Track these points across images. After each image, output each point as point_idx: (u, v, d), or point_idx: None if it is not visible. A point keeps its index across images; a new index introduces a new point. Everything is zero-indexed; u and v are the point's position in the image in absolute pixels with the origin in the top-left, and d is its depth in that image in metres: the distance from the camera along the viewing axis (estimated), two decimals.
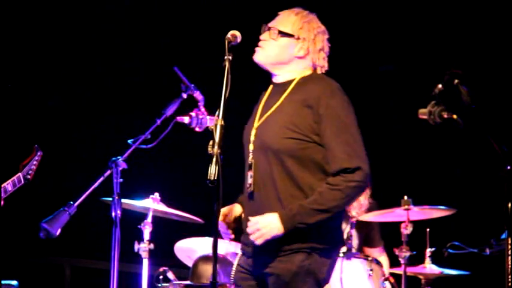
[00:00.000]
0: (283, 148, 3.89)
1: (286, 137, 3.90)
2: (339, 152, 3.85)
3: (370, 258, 5.41)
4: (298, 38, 4.03)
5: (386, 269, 5.82)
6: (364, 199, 5.79)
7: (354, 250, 5.50)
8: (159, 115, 4.31)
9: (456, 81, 4.38)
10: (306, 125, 3.89)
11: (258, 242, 3.84)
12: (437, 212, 5.61)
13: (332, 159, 3.86)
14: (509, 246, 4.37)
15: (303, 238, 3.85)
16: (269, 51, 4.05)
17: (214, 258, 3.78)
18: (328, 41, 4.10)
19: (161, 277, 5.42)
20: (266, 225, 3.83)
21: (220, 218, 4.03)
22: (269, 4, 4.23)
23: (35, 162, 5.91)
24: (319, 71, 4.07)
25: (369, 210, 5.82)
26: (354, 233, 5.65)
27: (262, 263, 3.91)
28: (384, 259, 5.87)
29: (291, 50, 4.04)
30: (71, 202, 4.64)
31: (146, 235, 5.25)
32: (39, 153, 5.93)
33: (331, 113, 3.88)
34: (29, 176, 5.87)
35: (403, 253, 5.47)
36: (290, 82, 4.03)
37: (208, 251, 5.49)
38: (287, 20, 4.07)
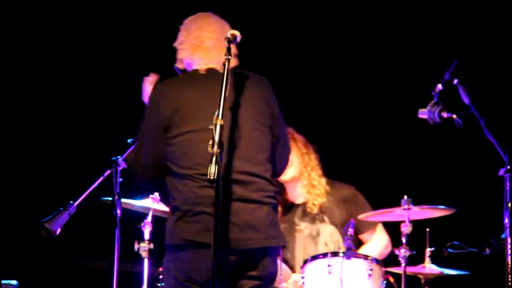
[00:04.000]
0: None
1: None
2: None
3: (370, 258, 5.40)
4: None
5: (383, 247, 5.86)
6: None
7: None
8: None
9: (456, 81, 4.39)
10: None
11: None
12: (437, 211, 5.61)
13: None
14: (509, 246, 4.37)
15: None
16: None
17: (214, 258, 3.78)
18: (195, 29, 4.43)
19: (161, 277, 5.41)
20: None
21: None
22: (268, 4, 4.22)
23: None
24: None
25: (353, 198, 5.84)
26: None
27: None
28: (377, 240, 5.85)
29: None
30: (71, 202, 4.64)
31: (146, 235, 5.26)
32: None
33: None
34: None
35: (403, 253, 5.46)
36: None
37: None
38: None
